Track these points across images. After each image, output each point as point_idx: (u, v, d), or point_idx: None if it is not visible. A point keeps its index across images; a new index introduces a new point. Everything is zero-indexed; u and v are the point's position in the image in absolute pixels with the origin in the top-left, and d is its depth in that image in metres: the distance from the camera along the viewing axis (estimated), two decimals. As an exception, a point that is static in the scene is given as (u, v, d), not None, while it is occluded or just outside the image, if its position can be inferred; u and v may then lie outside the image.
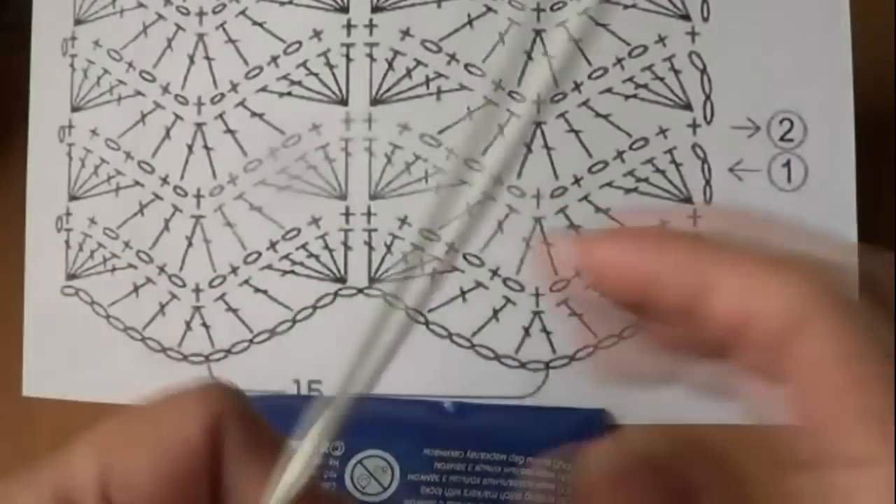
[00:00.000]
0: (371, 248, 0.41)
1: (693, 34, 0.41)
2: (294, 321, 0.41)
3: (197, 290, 0.42)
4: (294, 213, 0.41)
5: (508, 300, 0.41)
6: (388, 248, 0.41)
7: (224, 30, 0.43)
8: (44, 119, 0.45)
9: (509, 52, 0.41)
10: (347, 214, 0.41)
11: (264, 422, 0.22)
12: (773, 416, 0.19)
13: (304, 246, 0.41)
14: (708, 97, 0.41)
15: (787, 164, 0.41)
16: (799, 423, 0.18)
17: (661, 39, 0.41)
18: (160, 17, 0.43)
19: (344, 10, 0.42)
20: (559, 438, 0.39)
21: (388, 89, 0.41)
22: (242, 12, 0.43)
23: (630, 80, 0.41)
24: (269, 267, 0.42)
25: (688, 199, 0.41)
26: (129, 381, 0.42)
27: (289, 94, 0.42)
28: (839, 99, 0.41)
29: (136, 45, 0.44)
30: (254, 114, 0.42)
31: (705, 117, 0.41)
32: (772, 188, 0.41)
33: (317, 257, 0.41)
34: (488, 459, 0.39)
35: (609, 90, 0.41)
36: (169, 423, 0.21)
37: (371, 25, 0.42)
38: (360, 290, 0.41)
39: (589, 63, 0.41)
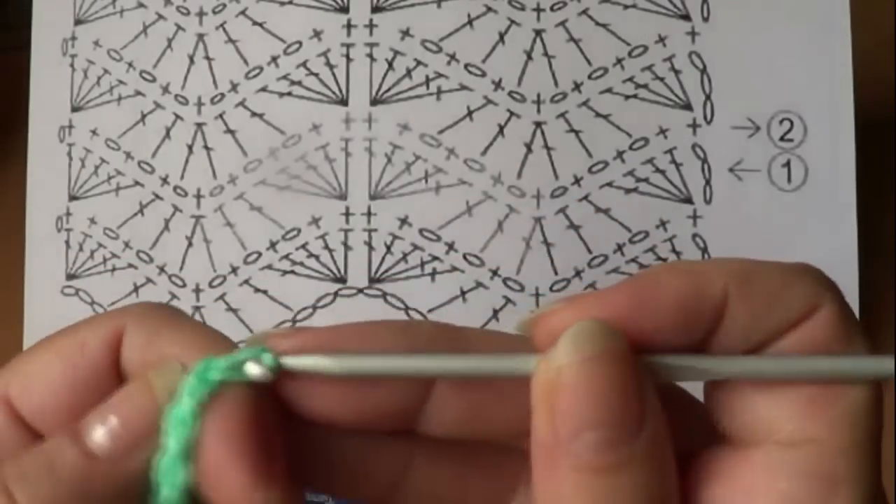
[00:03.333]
0: (371, 248, 0.41)
1: (693, 34, 0.41)
2: (294, 321, 0.41)
3: (197, 290, 0.42)
4: (294, 213, 0.42)
5: (508, 300, 0.41)
6: (388, 248, 0.41)
7: (224, 30, 0.43)
8: (44, 119, 0.45)
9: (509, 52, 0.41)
10: (347, 214, 0.41)
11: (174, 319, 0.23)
12: None
13: (304, 246, 0.41)
14: (708, 97, 0.41)
15: (787, 164, 0.41)
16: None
17: (661, 39, 0.41)
18: (160, 17, 0.43)
19: (344, 10, 0.42)
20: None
21: (388, 89, 0.41)
22: (242, 12, 0.43)
23: (630, 80, 0.41)
24: (269, 267, 0.42)
25: (688, 199, 0.41)
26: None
27: (289, 94, 0.42)
28: (839, 99, 0.41)
29: (136, 45, 0.44)
30: (254, 114, 0.42)
31: (705, 117, 0.41)
32: (772, 188, 0.41)
33: (317, 257, 0.41)
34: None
35: (609, 90, 0.41)
36: (64, 334, 0.22)
37: (371, 25, 0.42)
38: (360, 290, 0.41)
39: (589, 63, 0.41)
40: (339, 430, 0.21)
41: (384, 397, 0.20)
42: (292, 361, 0.20)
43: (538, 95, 0.41)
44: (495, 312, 0.41)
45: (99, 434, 0.20)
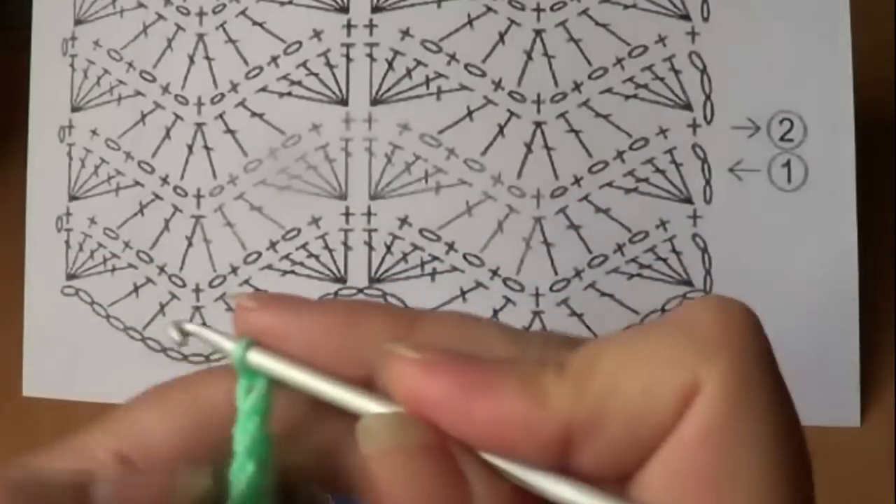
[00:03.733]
0: (371, 248, 0.41)
1: (693, 34, 0.41)
2: (294, 321, 0.41)
3: (197, 290, 0.42)
4: (294, 213, 0.42)
5: (508, 300, 0.41)
6: (388, 248, 0.41)
7: (224, 30, 0.43)
8: (44, 119, 0.45)
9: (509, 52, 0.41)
10: (347, 214, 0.41)
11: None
12: None
13: (304, 246, 0.41)
14: (708, 97, 0.41)
15: (787, 164, 0.41)
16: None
17: (661, 39, 0.41)
18: (160, 17, 0.43)
19: (344, 10, 0.42)
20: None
21: (388, 89, 0.41)
22: (242, 12, 0.43)
23: (630, 80, 0.41)
24: (269, 267, 0.42)
25: (688, 199, 0.41)
26: (128, 381, 0.42)
27: (289, 94, 0.42)
28: (839, 99, 0.41)
29: (136, 45, 0.44)
30: (254, 114, 0.42)
31: (705, 117, 0.41)
32: (772, 188, 0.41)
33: (317, 257, 0.41)
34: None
35: (609, 90, 0.41)
36: (183, 388, 0.21)
37: (371, 25, 0.42)
38: (360, 290, 0.41)
39: (589, 63, 0.41)
40: None
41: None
42: (193, 328, 0.21)
43: (538, 95, 0.41)
44: (495, 312, 0.41)
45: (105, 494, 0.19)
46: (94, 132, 0.44)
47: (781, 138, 0.41)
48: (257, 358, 0.20)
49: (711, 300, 0.17)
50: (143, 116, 0.43)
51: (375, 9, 0.42)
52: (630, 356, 0.17)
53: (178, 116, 0.43)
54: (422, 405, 0.17)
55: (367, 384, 0.19)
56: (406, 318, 0.19)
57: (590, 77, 0.41)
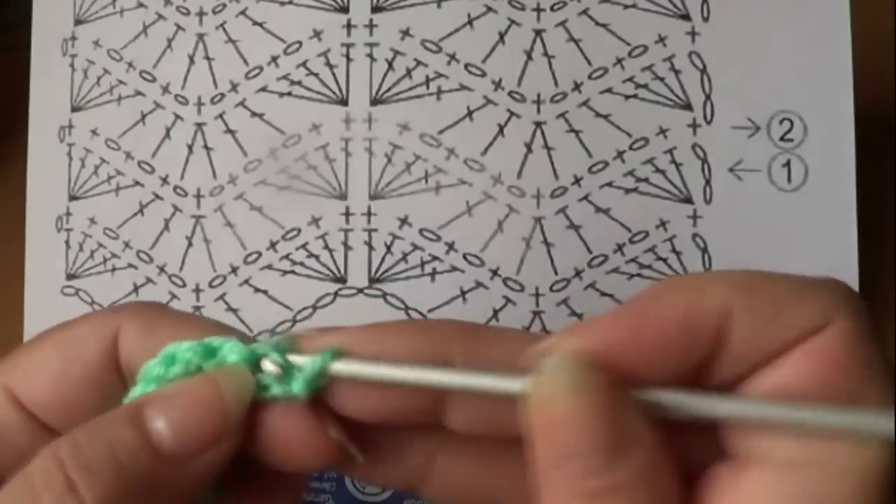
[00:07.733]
0: (371, 248, 0.41)
1: (693, 34, 0.41)
2: (294, 321, 0.41)
3: (197, 290, 0.42)
4: (294, 213, 0.42)
5: (508, 300, 0.41)
6: (388, 248, 0.41)
7: (224, 30, 0.43)
8: (44, 119, 0.45)
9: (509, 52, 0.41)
10: (347, 214, 0.41)
11: (166, 314, 0.24)
12: None
13: (304, 246, 0.41)
14: (708, 97, 0.41)
15: (787, 164, 0.41)
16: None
17: (661, 39, 0.41)
18: (160, 17, 0.43)
19: (344, 10, 0.42)
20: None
21: (388, 89, 0.41)
22: (242, 12, 0.43)
23: (630, 80, 0.41)
24: (269, 267, 0.42)
25: (688, 199, 0.41)
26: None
27: (289, 94, 0.42)
28: (839, 99, 0.41)
29: (136, 45, 0.44)
30: (254, 114, 0.42)
31: (705, 117, 0.41)
32: (772, 188, 0.41)
33: (317, 257, 0.41)
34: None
35: (609, 90, 0.41)
36: (62, 329, 0.24)
37: (371, 25, 0.42)
38: (360, 290, 0.41)
39: (589, 63, 0.41)
40: (369, 422, 0.21)
41: (402, 398, 0.21)
42: (340, 367, 0.21)
43: (538, 95, 0.41)
44: (495, 312, 0.41)
45: (161, 424, 0.20)
46: (94, 132, 0.44)
47: (781, 138, 0.41)
48: (345, 366, 0.20)
49: (822, 277, 0.20)
50: (143, 116, 0.43)
51: (375, 9, 0.42)
52: (764, 276, 0.20)
53: (178, 116, 0.43)
54: (595, 350, 0.19)
55: None
56: (470, 326, 0.21)
57: (590, 77, 0.41)
